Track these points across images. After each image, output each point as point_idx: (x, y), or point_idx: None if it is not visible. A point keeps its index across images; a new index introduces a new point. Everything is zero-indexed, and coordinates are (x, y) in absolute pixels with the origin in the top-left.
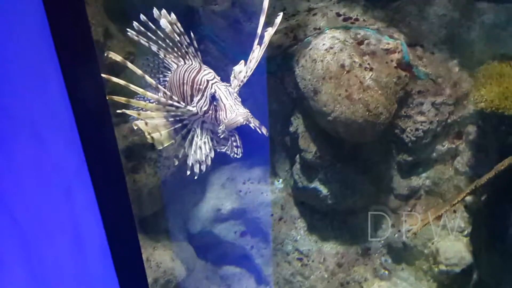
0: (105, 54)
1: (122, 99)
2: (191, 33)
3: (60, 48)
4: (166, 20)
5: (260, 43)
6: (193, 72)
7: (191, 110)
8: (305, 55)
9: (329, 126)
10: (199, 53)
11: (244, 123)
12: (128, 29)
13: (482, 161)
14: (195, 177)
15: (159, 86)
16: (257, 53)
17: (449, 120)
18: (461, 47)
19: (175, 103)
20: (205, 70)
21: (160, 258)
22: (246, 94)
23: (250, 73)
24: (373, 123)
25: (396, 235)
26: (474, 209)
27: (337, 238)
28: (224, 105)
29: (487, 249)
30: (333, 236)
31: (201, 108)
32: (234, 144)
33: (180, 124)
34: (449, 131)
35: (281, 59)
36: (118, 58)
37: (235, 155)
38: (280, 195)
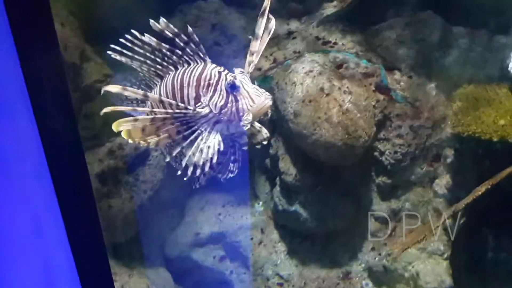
0: (102, 90)
1: (128, 108)
2: (189, 28)
3: (30, 82)
4: (158, 28)
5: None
6: (196, 70)
7: (200, 112)
8: (284, 78)
9: (309, 149)
10: (201, 47)
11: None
12: (108, 51)
13: (460, 184)
14: (185, 178)
15: (163, 98)
16: (266, 38)
17: (427, 143)
18: (438, 71)
19: (183, 110)
20: (212, 64)
21: (136, 286)
22: None
23: (257, 60)
24: (353, 146)
25: (376, 258)
26: (453, 232)
27: (318, 262)
28: (247, 91)
29: (467, 272)
30: (314, 259)
31: (215, 105)
32: (232, 157)
33: (185, 127)
34: (427, 154)
35: (260, 82)
36: (116, 88)
37: (230, 174)
38: (260, 218)
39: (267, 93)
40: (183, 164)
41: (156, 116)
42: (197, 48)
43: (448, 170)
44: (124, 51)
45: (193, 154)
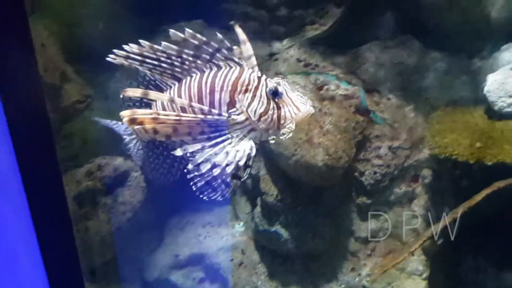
0: (121, 93)
1: (147, 112)
2: (219, 35)
3: (8, 106)
4: (180, 37)
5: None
6: (232, 74)
7: (236, 119)
8: None
9: (290, 170)
10: (235, 51)
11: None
12: (112, 55)
13: (438, 204)
14: (195, 173)
15: (193, 103)
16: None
17: (405, 164)
18: (416, 93)
19: (216, 116)
20: (249, 68)
21: None
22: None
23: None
24: (333, 166)
25: (356, 279)
26: (432, 252)
27: (298, 283)
28: (291, 99)
29: None
30: (294, 281)
31: (255, 111)
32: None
33: (212, 129)
34: (405, 174)
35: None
36: (136, 93)
37: (220, 197)
38: (241, 239)
39: (310, 100)
40: (198, 160)
41: (182, 117)
42: (230, 53)
43: (426, 190)
44: (132, 55)
45: (215, 154)
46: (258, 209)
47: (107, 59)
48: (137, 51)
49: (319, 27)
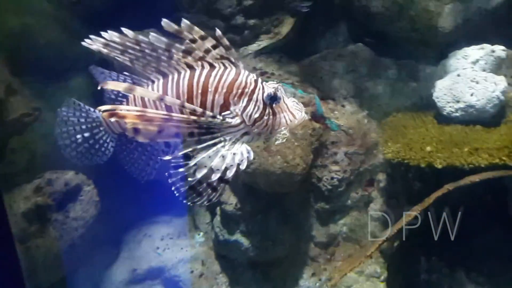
0: (101, 85)
1: (136, 109)
2: (218, 31)
3: None
4: (174, 29)
5: None
6: (227, 76)
7: (230, 122)
8: None
9: (249, 178)
10: (233, 51)
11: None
12: (88, 39)
13: (393, 207)
14: (189, 180)
15: (186, 104)
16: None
17: (361, 169)
18: (369, 100)
19: (209, 119)
20: (245, 70)
21: None
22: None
23: None
24: (291, 174)
25: (317, 284)
26: (388, 255)
27: None
28: (287, 105)
29: None
30: None
31: (250, 116)
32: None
33: (203, 131)
34: (361, 179)
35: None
36: (120, 87)
37: (205, 202)
38: (201, 249)
39: (303, 106)
40: (191, 163)
41: (173, 117)
42: (227, 52)
43: (381, 194)
44: (112, 44)
45: (210, 157)
46: (217, 218)
47: (83, 43)
48: (118, 39)
49: (274, 36)
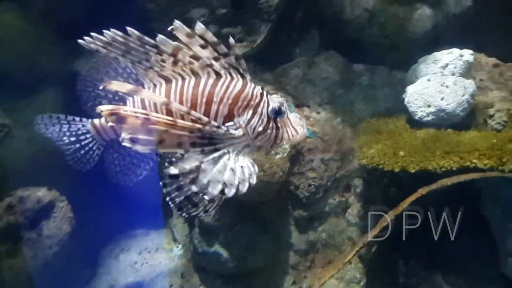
0: (107, 85)
1: (139, 111)
2: (231, 39)
3: None
4: (184, 32)
5: None
6: (234, 87)
7: (233, 134)
8: None
9: None
10: (243, 61)
11: None
12: (88, 38)
13: (370, 211)
14: (206, 197)
15: (193, 111)
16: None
17: (337, 175)
18: (343, 106)
19: (214, 129)
20: (252, 83)
21: None
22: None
23: None
24: (268, 182)
25: None
26: (367, 260)
27: None
28: (290, 120)
29: None
30: None
31: (253, 129)
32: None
33: (205, 141)
34: (338, 185)
35: None
36: (124, 88)
37: (202, 213)
38: (180, 262)
39: (305, 121)
40: (204, 180)
41: (178, 123)
42: (237, 62)
43: (358, 199)
44: (115, 43)
45: (219, 171)
46: (196, 230)
47: (80, 42)
48: (121, 39)
49: (247, 44)
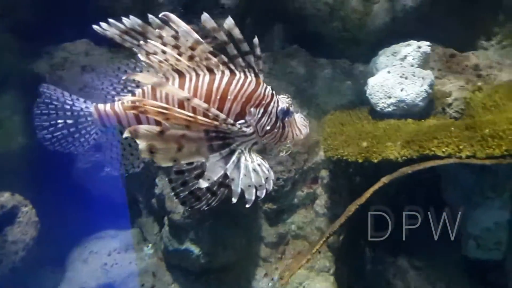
0: (131, 77)
1: (157, 104)
2: (256, 39)
3: None
4: (211, 26)
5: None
6: (248, 86)
7: (245, 131)
8: None
9: None
10: (261, 62)
11: None
12: (104, 24)
13: (337, 201)
14: (248, 206)
15: (212, 109)
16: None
17: (305, 167)
18: (308, 100)
19: (229, 126)
20: (265, 83)
21: None
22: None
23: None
24: None
25: (270, 284)
26: (335, 249)
27: None
28: (295, 120)
29: (350, 286)
30: None
31: (262, 127)
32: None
33: (220, 142)
34: (306, 177)
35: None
36: (148, 80)
37: (205, 207)
38: (151, 261)
39: (308, 122)
40: (237, 189)
41: (191, 131)
42: (256, 61)
43: (325, 190)
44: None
45: (245, 175)
46: (166, 228)
47: (95, 27)
48: (140, 29)
49: (212, 40)
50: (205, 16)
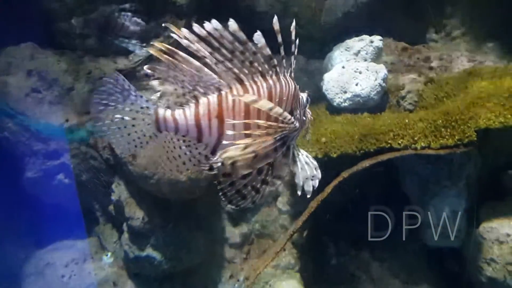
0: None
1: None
2: (293, 33)
3: None
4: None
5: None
6: (290, 84)
7: (296, 126)
8: None
9: (154, 189)
10: (274, 61)
11: None
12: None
13: (299, 198)
14: (308, 196)
15: (285, 113)
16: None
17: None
18: None
19: (291, 124)
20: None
21: None
22: (55, 168)
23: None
24: (197, 179)
25: (236, 285)
26: (300, 245)
27: None
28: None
29: (316, 281)
30: None
31: (299, 119)
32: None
33: (281, 142)
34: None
35: (91, 126)
36: (249, 98)
37: (250, 204)
38: (111, 270)
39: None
40: (299, 183)
41: (263, 139)
42: (287, 60)
43: (287, 187)
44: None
45: (302, 169)
46: (125, 235)
47: (173, 35)
48: (218, 34)
49: (164, 39)
50: (275, 21)
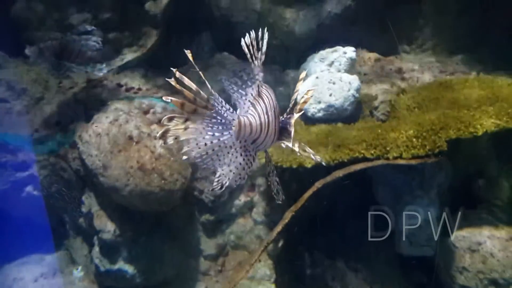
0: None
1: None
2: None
3: None
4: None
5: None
6: (273, 94)
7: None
8: (88, 130)
9: (126, 201)
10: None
11: None
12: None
13: (275, 209)
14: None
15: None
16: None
17: None
18: None
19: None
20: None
21: None
22: (24, 180)
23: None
24: (171, 190)
25: None
26: (275, 256)
27: None
28: None
29: None
30: None
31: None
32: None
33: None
34: (243, 186)
35: (61, 137)
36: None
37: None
38: (82, 284)
39: None
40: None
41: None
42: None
43: (262, 197)
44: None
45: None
46: (96, 249)
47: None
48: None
49: (138, 49)
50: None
